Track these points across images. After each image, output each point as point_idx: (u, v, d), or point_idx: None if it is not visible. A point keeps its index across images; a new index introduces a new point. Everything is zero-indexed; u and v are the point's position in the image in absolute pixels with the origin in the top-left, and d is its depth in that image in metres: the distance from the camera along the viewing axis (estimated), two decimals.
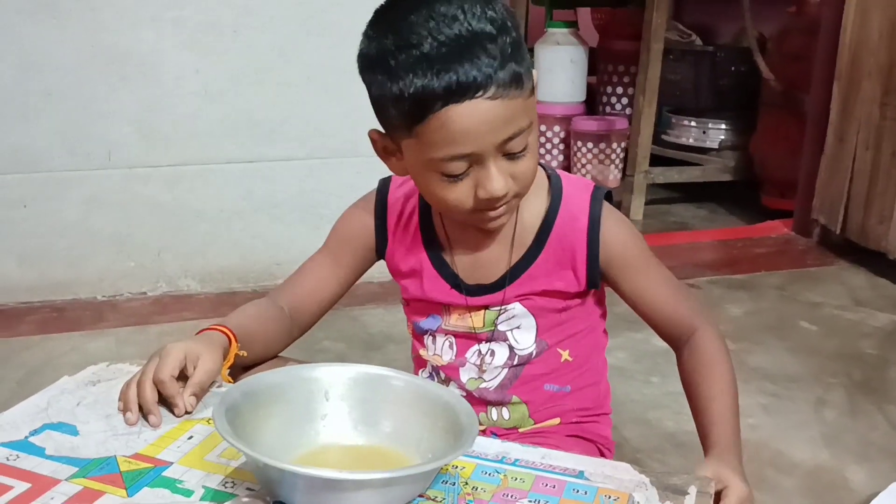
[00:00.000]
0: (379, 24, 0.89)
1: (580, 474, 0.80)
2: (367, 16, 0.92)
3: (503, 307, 1.05)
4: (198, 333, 0.96)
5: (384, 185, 1.11)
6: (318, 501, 0.70)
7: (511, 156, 0.90)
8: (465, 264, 1.06)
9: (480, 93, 0.84)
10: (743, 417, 1.77)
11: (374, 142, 0.97)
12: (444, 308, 1.08)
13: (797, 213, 3.23)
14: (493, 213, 0.94)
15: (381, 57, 0.87)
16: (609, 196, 1.06)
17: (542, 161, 4.23)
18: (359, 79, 0.93)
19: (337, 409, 0.84)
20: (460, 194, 0.92)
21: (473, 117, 0.85)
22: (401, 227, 1.08)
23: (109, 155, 2.46)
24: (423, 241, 1.07)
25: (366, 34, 0.91)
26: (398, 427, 0.82)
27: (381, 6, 0.91)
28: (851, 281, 2.72)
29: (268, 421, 0.79)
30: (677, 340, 1.05)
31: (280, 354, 1.08)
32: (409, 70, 0.84)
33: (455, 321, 1.08)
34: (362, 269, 1.14)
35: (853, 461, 1.67)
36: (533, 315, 1.05)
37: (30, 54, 2.34)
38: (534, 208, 1.04)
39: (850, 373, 2.05)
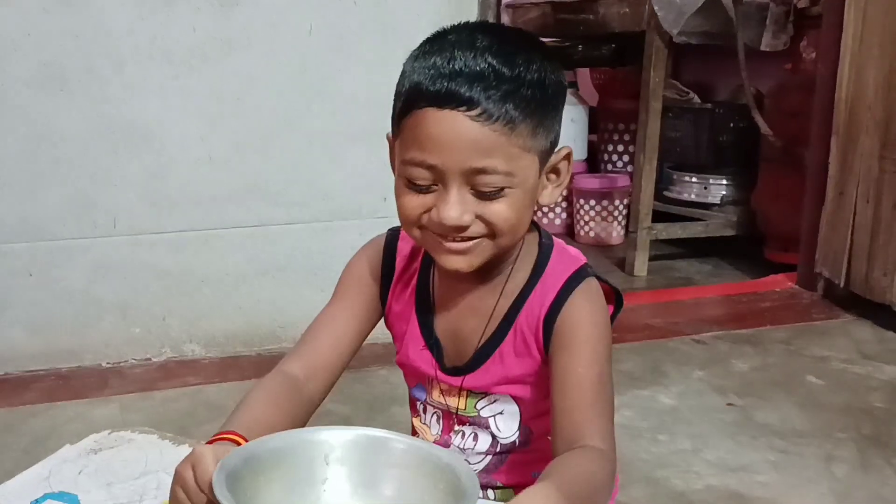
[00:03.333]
0: (432, 39, 0.91)
1: None
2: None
3: (485, 392, 0.99)
4: (209, 442, 0.84)
5: (393, 235, 1.05)
6: None
7: (481, 194, 0.86)
8: (447, 336, 1.00)
9: (464, 108, 0.83)
10: (751, 474, 1.78)
11: (389, 144, 0.96)
12: (428, 380, 1.03)
13: (801, 267, 3.24)
14: (449, 245, 0.89)
15: (410, 57, 0.90)
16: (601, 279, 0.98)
17: (545, 219, 4.26)
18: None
19: (337, 473, 0.83)
20: (416, 205, 0.88)
21: (447, 126, 0.83)
22: (402, 283, 1.03)
23: (115, 222, 2.49)
24: (417, 304, 1.02)
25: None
26: (399, 490, 0.82)
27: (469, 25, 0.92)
28: (857, 334, 2.71)
29: (268, 486, 0.79)
30: (566, 447, 0.86)
31: None
32: (418, 70, 0.86)
33: (437, 397, 1.02)
34: (374, 316, 1.05)
35: None
36: (516, 402, 0.99)
37: (38, 125, 2.38)
38: (519, 280, 0.96)
39: (859, 427, 2.03)
